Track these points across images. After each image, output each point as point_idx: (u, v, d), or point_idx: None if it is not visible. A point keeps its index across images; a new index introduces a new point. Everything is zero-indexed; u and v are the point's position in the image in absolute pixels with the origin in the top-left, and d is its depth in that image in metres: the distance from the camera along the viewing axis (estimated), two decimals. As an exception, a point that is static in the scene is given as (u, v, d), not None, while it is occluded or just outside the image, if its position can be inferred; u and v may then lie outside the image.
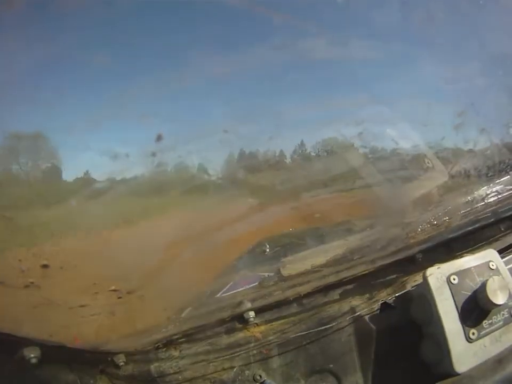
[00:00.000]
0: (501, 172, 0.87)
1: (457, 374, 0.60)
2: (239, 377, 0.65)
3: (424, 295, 0.65)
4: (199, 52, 0.86)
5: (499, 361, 0.62)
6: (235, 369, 0.65)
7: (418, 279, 0.70)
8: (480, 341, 0.62)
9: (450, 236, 0.79)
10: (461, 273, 0.65)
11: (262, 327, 0.69)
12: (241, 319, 0.68)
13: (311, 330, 0.68)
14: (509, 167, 0.87)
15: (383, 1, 1.00)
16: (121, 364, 0.61)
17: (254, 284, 0.77)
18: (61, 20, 0.70)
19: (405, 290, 0.73)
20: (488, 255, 0.69)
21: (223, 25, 0.88)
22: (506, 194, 0.81)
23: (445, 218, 0.77)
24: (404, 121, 0.95)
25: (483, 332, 0.62)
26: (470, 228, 0.80)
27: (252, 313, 0.68)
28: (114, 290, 0.65)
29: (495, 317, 0.63)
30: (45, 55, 0.74)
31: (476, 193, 0.81)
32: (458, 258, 0.69)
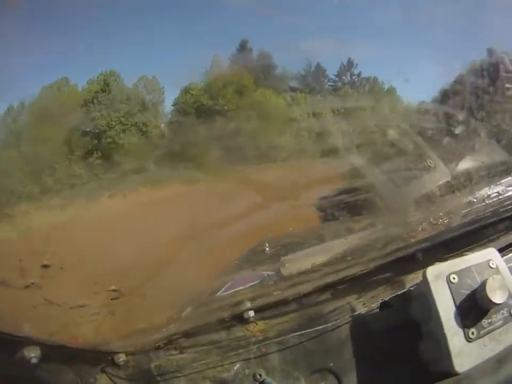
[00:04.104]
0: (502, 172, 0.86)
1: (457, 374, 0.60)
2: (239, 376, 0.65)
3: (423, 294, 0.65)
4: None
5: (499, 360, 0.61)
6: (235, 368, 0.65)
7: (418, 278, 0.70)
8: (480, 340, 0.62)
9: (451, 235, 0.79)
10: (460, 272, 0.65)
11: (262, 326, 0.69)
12: (241, 318, 0.68)
13: (311, 329, 0.68)
14: (510, 168, 0.87)
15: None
16: (122, 363, 0.61)
17: (254, 283, 0.77)
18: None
19: (404, 289, 0.73)
20: (488, 254, 0.69)
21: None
22: (507, 195, 0.81)
23: (445, 218, 0.77)
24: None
25: (483, 331, 0.62)
26: (470, 227, 0.79)
27: (251, 313, 0.68)
28: (114, 290, 0.65)
29: (494, 316, 0.63)
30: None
31: (477, 194, 0.81)
32: (458, 257, 0.69)
